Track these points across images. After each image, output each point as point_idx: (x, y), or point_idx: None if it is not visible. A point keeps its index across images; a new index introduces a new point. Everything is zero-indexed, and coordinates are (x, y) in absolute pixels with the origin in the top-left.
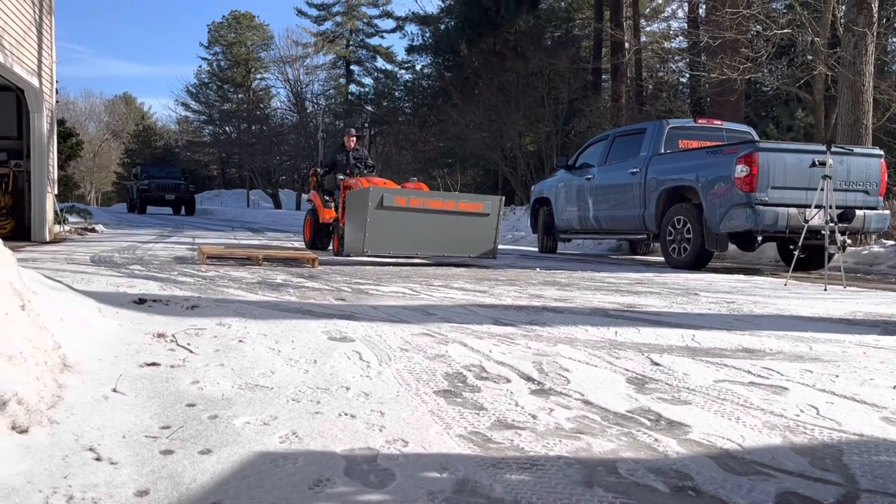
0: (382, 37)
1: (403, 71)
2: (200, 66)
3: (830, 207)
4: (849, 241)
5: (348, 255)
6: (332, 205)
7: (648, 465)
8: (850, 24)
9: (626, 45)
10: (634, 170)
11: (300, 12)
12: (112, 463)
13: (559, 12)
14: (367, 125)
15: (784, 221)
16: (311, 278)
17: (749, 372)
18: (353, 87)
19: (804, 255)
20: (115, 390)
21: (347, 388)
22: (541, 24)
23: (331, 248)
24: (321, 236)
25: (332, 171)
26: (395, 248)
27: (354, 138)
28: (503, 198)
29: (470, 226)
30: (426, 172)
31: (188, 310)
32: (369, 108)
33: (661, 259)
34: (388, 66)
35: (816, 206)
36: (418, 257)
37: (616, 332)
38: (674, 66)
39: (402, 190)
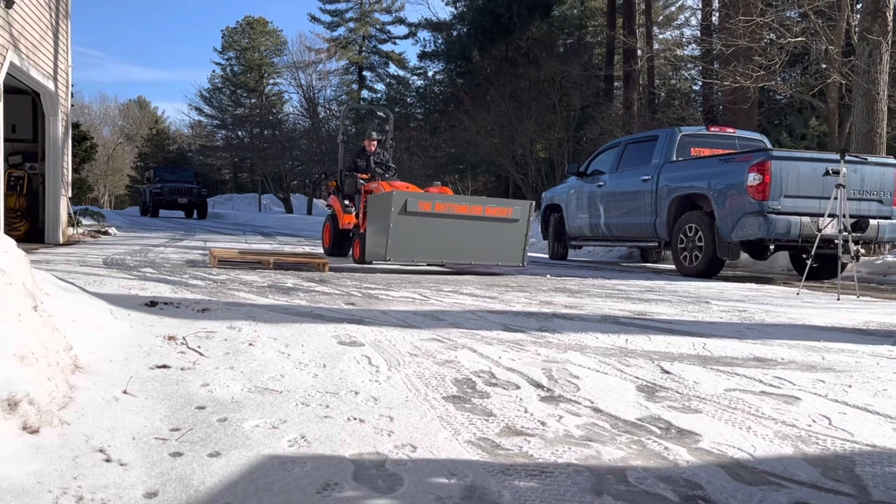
0: (395, 43)
1: (415, 77)
2: (214, 71)
3: (844, 217)
4: (862, 251)
5: (370, 263)
6: (353, 210)
7: (658, 474)
8: (865, 32)
9: (639, 52)
10: (646, 177)
11: (313, 18)
12: (122, 464)
13: (572, 19)
14: (388, 128)
15: (797, 230)
16: (321, 282)
17: (760, 381)
18: (365, 93)
19: (817, 264)
20: (125, 392)
21: (356, 393)
22: (553, 31)
23: (351, 254)
24: (341, 242)
25: (352, 176)
26: (419, 256)
27: (375, 142)
28: (533, 203)
29: (498, 232)
30: (437, 178)
31: (199, 313)
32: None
33: (673, 267)
34: (401, 72)
35: (830, 215)
36: (443, 265)
37: (626, 340)
38: (686, 74)
39: (426, 194)
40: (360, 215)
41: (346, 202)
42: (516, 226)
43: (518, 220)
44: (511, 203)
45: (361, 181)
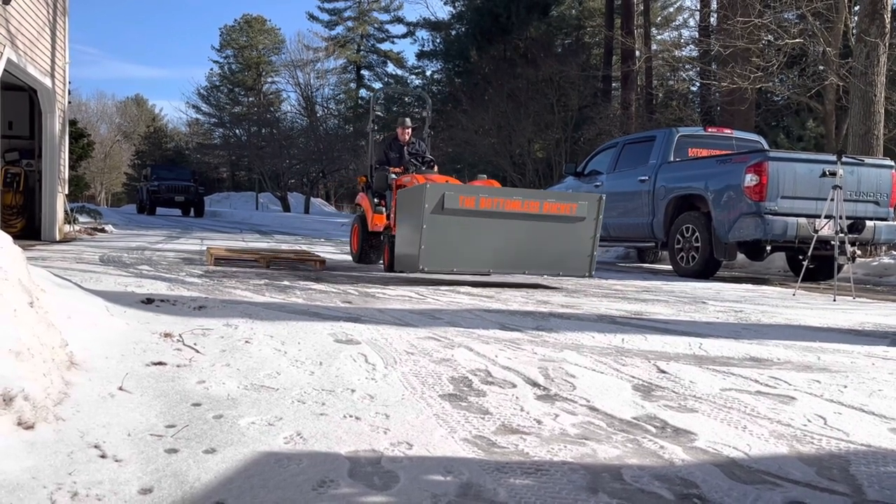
0: (393, 42)
1: (414, 76)
2: (212, 69)
3: (840, 218)
4: (858, 252)
5: (401, 272)
6: (384, 209)
7: (654, 473)
8: (863, 34)
9: (637, 53)
10: (643, 177)
11: (312, 17)
12: (117, 460)
13: (570, 20)
14: (425, 115)
15: (793, 231)
16: (317, 281)
17: (756, 381)
18: (363, 92)
19: (813, 265)
20: (121, 388)
21: (353, 391)
22: (551, 31)
23: (382, 262)
24: (371, 248)
25: (382, 169)
26: (459, 264)
27: (409, 130)
28: (603, 197)
29: (559, 234)
30: None
31: (195, 310)
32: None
33: (669, 267)
34: (399, 72)
35: (826, 217)
36: (490, 275)
37: (623, 340)
38: (684, 75)
39: (469, 187)
40: (392, 215)
41: (377, 200)
42: (581, 226)
43: (584, 219)
44: (575, 197)
45: (393, 175)
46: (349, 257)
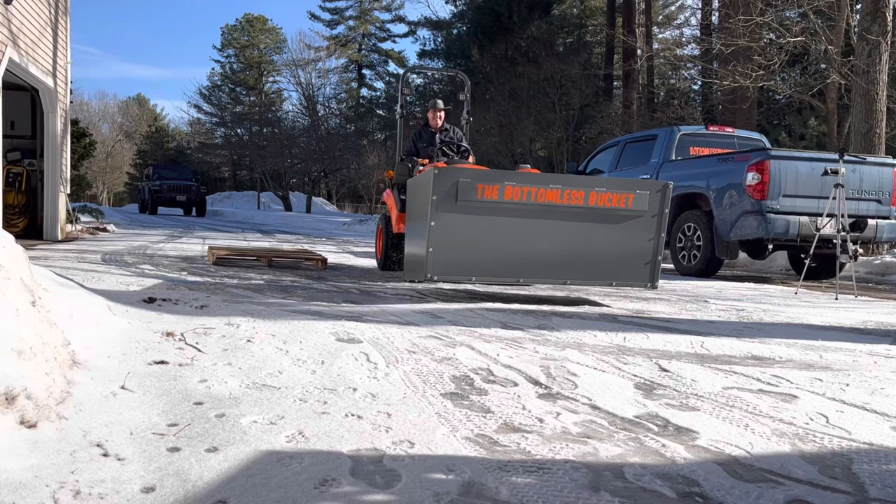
0: (395, 41)
1: (415, 76)
2: (213, 69)
3: (842, 216)
4: (860, 251)
5: (412, 281)
6: None
7: (655, 471)
8: (864, 32)
9: (639, 51)
10: (645, 176)
11: (313, 16)
12: (119, 459)
13: (571, 18)
14: (462, 98)
15: (795, 230)
16: (319, 280)
17: (758, 379)
18: (364, 91)
19: (815, 263)
20: (123, 387)
21: (354, 389)
22: (553, 30)
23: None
24: (397, 252)
25: (407, 160)
26: (479, 272)
27: (442, 113)
28: (670, 185)
29: (611, 233)
30: None
31: (197, 309)
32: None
33: (671, 266)
34: (400, 71)
35: (828, 215)
36: (521, 285)
37: (624, 338)
38: (686, 74)
39: (492, 173)
40: None
41: (403, 197)
42: (639, 223)
43: (643, 215)
44: (632, 186)
45: (420, 166)
46: (351, 257)
